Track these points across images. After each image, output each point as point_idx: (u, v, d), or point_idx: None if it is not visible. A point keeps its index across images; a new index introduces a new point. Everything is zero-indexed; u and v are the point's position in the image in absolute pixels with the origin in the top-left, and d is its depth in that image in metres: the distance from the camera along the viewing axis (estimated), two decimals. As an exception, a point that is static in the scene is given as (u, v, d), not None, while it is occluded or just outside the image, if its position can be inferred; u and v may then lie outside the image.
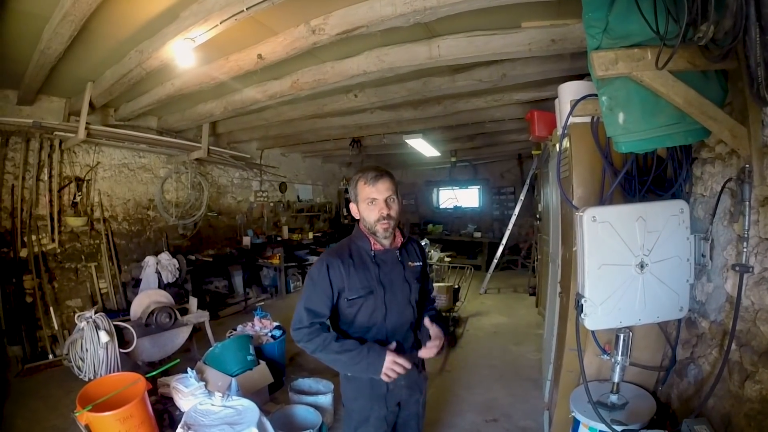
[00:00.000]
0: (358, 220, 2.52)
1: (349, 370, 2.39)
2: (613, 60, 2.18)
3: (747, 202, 2.21)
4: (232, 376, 4.27)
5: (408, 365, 2.27)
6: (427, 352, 2.42)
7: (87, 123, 6.23)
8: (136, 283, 7.17)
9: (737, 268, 2.27)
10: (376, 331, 2.43)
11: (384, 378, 2.27)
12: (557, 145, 3.59)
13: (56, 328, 6.23)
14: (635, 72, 2.17)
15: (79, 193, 6.91)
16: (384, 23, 3.79)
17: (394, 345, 2.38)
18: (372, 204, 2.35)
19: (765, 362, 2.11)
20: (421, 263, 2.65)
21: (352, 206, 2.49)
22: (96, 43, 4.57)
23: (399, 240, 2.53)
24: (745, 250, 2.24)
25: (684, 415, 2.65)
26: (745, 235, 2.23)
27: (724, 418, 2.37)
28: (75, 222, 6.79)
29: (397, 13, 3.59)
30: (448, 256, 9.14)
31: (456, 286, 7.92)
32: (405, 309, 2.51)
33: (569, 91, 3.37)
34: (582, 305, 2.57)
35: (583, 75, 3.94)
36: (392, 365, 2.24)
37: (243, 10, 3.51)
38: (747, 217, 2.22)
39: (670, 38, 1.79)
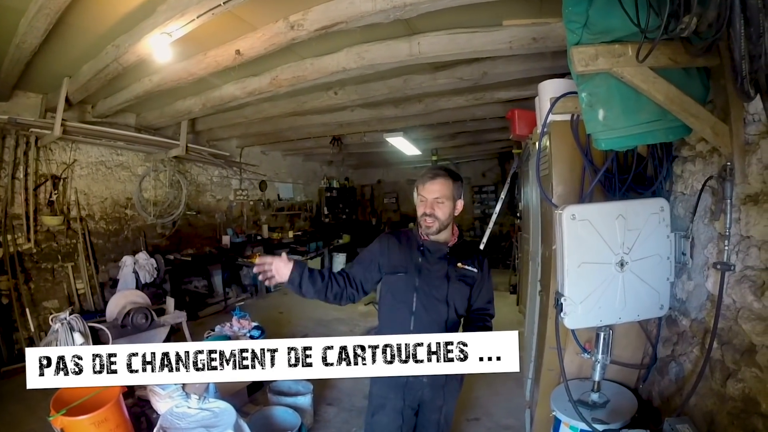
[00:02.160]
0: (411, 217, 2.80)
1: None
2: (594, 55, 2.17)
3: (729, 200, 2.21)
4: (210, 378, 4.19)
5: (264, 262, 2.35)
6: None
7: (63, 119, 6.10)
8: (114, 283, 7.03)
9: (718, 267, 2.27)
10: (400, 314, 2.54)
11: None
12: (537, 143, 3.58)
13: (33, 329, 6.06)
14: (616, 68, 2.16)
15: (56, 192, 6.76)
16: (364, 19, 3.75)
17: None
18: (422, 202, 2.53)
19: (747, 361, 2.11)
20: (476, 271, 2.65)
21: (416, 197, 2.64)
22: (72, 38, 4.49)
23: (453, 239, 2.66)
24: (726, 248, 2.25)
25: (666, 412, 2.67)
26: (727, 233, 2.23)
27: (707, 416, 2.37)
28: (51, 221, 6.63)
29: (377, 9, 3.56)
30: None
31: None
32: (438, 305, 2.53)
33: (549, 89, 3.37)
34: (561, 304, 2.56)
35: (565, 74, 3.94)
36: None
37: (220, 4, 3.47)
38: (728, 215, 2.22)
39: (651, 31, 1.77)
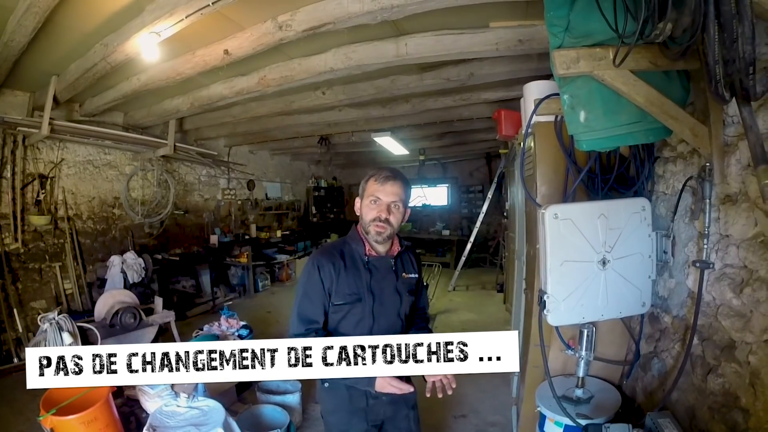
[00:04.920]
0: (356, 223, 2.43)
1: (343, 380, 2.20)
2: (575, 59, 2.20)
3: (708, 200, 2.27)
4: (199, 377, 4.18)
5: (406, 389, 2.04)
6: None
7: (51, 118, 6.06)
8: (102, 283, 6.99)
9: (698, 265, 2.32)
10: None
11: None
12: (522, 144, 3.63)
13: (21, 330, 6.02)
14: (597, 71, 2.20)
15: (43, 191, 6.70)
16: (351, 20, 3.77)
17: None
18: (374, 203, 2.24)
19: (727, 356, 2.16)
20: (416, 275, 2.51)
21: (357, 201, 2.35)
22: (61, 36, 4.46)
23: (396, 248, 2.42)
24: (705, 246, 2.30)
25: (649, 408, 2.71)
26: (706, 232, 2.29)
27: (689, 411, 2.43)
28: (39, 221, 6.58)
29: (365, 10, 3.58)
30: (416, 254, 9.17)
31: (425, 284, 7.94)
32: (394, 322, 2.36)
33: (534, 91, 3.42)
34: (545, 301, 2.60)
35: (550, 75, 3.99)
36: (386, 385, 2.04)
37: (209, 4, 3.47)
38: (708, 215, 2.28)
39: (628, 36, 1.81)
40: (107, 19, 4.11)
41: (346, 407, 2.33)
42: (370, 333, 2.24)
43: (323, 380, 2.31)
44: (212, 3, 3.45)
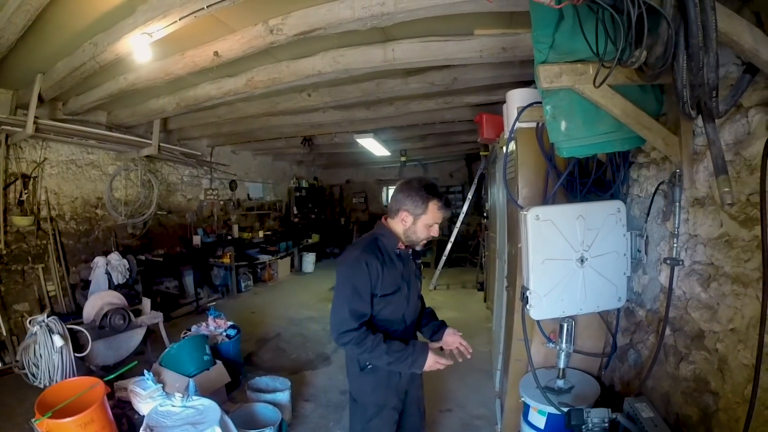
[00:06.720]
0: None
1: (394, 366, 2.46)
2: (558, 73, 2.34)
3: (678, 203, 2.46)
4: (190, 377, 4.23)
5: (449, 362, 2.48)
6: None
7: (35, 117, 5.96)
8: (86, 284, 6.91)
9: (669, 262, 2.51)
10: (397, 326, 2.60)
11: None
12: (504, 148, 3.77)
13: (4, 333, 5.97)
14: (578, 85, 2.34)
15: (26, 191, 6.61)
16: (342, 26, 3.85)
17: (437, 345, 2.67)
18: (430, 227, 2.50)
19: (697, 345, 2.34)
20: (420, 260, 2.84)
21: (405, 215, 2.49)
22: (50, 34, 4.41)
23: None
24: (676, 245, 2.49)
25: (627, 396, 2.88)
26: (677, 233, 2.47)
27: (663, 397, 2.60)
28: (21, 221, 6.49)
29: (355, 16, 3.67)
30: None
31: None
32: (417, 302, 2.77)
33: (517, 98, 3.57)
34: (527, 297, 2.78)
35: (531, 81, 4.11)
36: (434, 364, 2.45)
37: (203, 8, 3.48)
38: (678, 217, 2.46)
39: (608, 59, 1.98)
40: (99, 18, 4.09)
41: (384, 384, 2.62)
42: (404, 316, 2.63)
43: (362, 365, 2.58)
44: (207, 6, 3.46)
